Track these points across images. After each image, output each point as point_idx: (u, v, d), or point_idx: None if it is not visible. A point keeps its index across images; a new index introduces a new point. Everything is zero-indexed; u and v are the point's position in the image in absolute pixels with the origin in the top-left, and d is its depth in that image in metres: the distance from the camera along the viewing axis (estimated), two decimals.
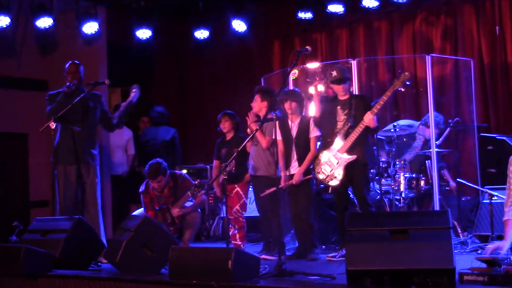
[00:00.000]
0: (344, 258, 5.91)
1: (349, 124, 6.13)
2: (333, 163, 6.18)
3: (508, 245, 4.85)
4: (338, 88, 6.33)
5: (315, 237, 6.52)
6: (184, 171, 9.23)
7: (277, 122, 6.58)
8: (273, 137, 5.80)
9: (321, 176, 6.27)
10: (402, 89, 6.13)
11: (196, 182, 7.00)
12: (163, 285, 4.88)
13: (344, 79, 6.30)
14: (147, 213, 7.20)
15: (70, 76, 6.78)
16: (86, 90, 6.78)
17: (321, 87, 7.80)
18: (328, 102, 6.47)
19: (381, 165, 7.24)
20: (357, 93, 6.92)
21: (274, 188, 6.16)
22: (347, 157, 6.11)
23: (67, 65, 6.88)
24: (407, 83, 6.02)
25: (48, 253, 5.63)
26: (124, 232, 5.61)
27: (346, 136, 6.12)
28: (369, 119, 5.99)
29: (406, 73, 5.98)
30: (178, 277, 4.84)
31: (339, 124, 6.23)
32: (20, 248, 5.54)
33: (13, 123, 8.92)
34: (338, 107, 6.29)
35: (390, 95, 5.98)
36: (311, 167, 6.50)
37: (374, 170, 7.11)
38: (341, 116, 6.24)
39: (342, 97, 6.31)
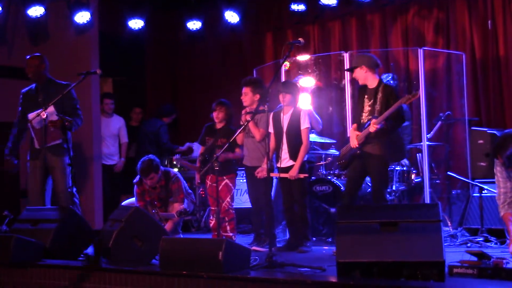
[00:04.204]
0: None
1: (371, 118, 5.93)
2: (347, 149, 6.19)
3: None
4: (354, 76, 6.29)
5: (309, 230, 6.53)
6: (175, 162, 9.25)
7: (271, 114, 6.60)
8: (267, 129, 5.79)
9: (339, 157, 6.35)
10: (406, 104, 6.07)
11: (181, 209, 6.95)
12: (154, 276, 4.88)
13: (351, 68, 6.20)
14: (138, 203, 7.21)
15: (26, 68, 7.10)
16: (50, 77, 7.07)
17: (309, 80, 7.81)
18: (360, 90, 6.28)
19: None
20: (388, 82, 6.62)
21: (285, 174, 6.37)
22: (356, 149, 6.04)
23: (27, 60, 7.14)
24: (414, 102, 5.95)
25: (38, 243, 5.62)
26: (115, 222, 5.61)
27: (364, 127, 6.00)
28: (373, 128, 5.81)
29: (418, 94, 5.82)
30: (168, 268, 4.84)
31: (364, 116, 6.08)
32: (10, 238, 5.53)
33: (3, 112, 8.87)
34: (365, 97, 6.12)
35: (395, 107, 5.81)
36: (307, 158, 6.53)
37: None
38: (366, 107, 6.07)
39: (370, 85, 6.10)
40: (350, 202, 6.10)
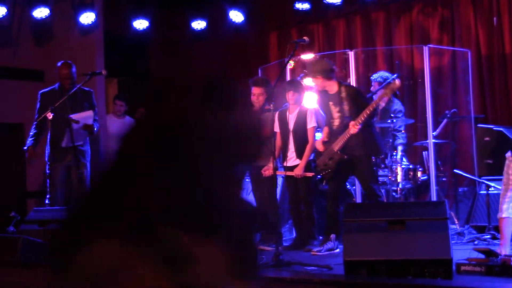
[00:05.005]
0: (329, 252, 5.95)
1: (345, 121, 5.99)
2: (327, 157, 6.14)
3: (509, 244, 4.90)
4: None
5: (315, 229, 6.52)
6: None
7: (276, 113, 6.59)
8: (273, 128, 5.78)
9: (318, 167, 6.26)
10: (388, 96, 6.07)
11: None
12: None
13: (309, 73, 6.16)
14: None
15: (62, 79, 7.10)
16: (77, 85, 7.04)
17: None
18: (322, 96, 6.32)
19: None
20: (347, 83, 6.71)
21: (290, 173, 6.35)
22: (339, 155, 6.04)
23: (60, 65, 7.16)
24: (397, 93, 5.93)
25: (45, 244, 5.63)
26: None
27: (341, 133, 6.02)
28: (355, 130, 5.84)
29: (397, 82, 5.83)
30: None
31: (336, 122, 6.11)
32: (17, 239, 5.54)
33: (9, 113, 8.90)
34: (330, 103, 6.15)
35: (378, 103, 5.85)
36: (313, 157, 6.50)
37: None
38: (335, 113, 6.10)
39: (331, 91, 6.13)
40: (335, 205, 6.10)
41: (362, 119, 5.79)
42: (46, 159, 7.05)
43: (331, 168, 6.09)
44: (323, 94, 6.25)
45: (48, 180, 6.98)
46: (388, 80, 7.34)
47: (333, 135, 6.11)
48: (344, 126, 5.96)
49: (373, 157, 6.36)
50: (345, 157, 6.00)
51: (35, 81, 8.80)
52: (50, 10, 8.42)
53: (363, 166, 6.05)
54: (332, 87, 6.11)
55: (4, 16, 8.24)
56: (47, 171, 7.01)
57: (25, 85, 8.95)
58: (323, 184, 6.65)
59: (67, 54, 8.34)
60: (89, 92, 7.26)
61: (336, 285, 4.36)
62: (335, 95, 6.08)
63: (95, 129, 7.06)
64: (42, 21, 8.55)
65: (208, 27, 9.59)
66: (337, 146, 6.02)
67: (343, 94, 6.01)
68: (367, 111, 5.78)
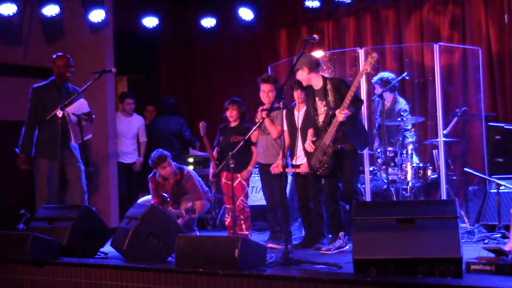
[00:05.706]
0: (339, 250, 5.93)
1: (331, 111, 5.92)
2: (321, 153, 6.07)
3: None
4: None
5: (324, 227, 6.51)
6: (191, 160, 9.26)
7: (283, 111, 6.58)
8: (282, 126, 5.76)
9: (312, 166, 6.17)
10: (371, 71, 6.07)
11: (189, 207, 6.94)
12: (170, 273, 4.89)
13: (295, 66, 6.01)
14: (153, 199, 7.24)
15: (63, 68, 7.09)
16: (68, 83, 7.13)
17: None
18: (308, 94, 6.24)
19: (388, 154, 7.20)
20: (332, 77, 6.70)
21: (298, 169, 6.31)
22: (333, 147, 5.94)
23: (56, 56, 7.17)
24: (376, 64, 5.93)
25: (55, 241, 5.65)
26: (131, 220, 5.63)
27: (329, 126, 5.94)
28: (342, 117, 5.76)
29: (374, 55, 5.82)
30: (185, 265, 4.85)
31: (321, 118, 6.05)
32: (27, 236, 5.56)
33: (19, 111, 8.92)
34: (317, 99, 6.10)
35: (359, 81, 5.86)
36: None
37: (381, 160, 7.07)
38: (322, 108, 6.05)
39: (316, 86, 6.10)
40: (335, 202, 6.06)
41: (347, 102, 5.73)
42: (43, 155, 7.02)
43: (327, 164, 6.01)
44: (309, 91, 6.21)
45: (47, 178, 6.96)
46: (394, 80, 7.33)
47: (321, 131, 6.05)
48: (331, 118, 5.91)
49: (359, 151, 6.27)
50: (339, 147, 5.92)
51: (45, 79, 8.83)
52: (60, 8, 8.44)
53: (346, 159, 5.98)
54: (318, 81, 6.10)
55: (14, 14, 8.27)
56: (47, 168, 6.99)
57: (35, 83, 8.98)
58: (321, 182, 6.56)
59: (77, 52, 8.36)
60: (79, 92, 7.07)
61: (345, 284, 4.34)
62: (320, 89, 6.07)
63: (93, 115, 6.90)
64: (52, 19, 8.58)
65: (218, 25, 9.59)
66: (328, 139, 5.94)
67: (328, 86, 6.01)
68: (350, 93, 5.72)
